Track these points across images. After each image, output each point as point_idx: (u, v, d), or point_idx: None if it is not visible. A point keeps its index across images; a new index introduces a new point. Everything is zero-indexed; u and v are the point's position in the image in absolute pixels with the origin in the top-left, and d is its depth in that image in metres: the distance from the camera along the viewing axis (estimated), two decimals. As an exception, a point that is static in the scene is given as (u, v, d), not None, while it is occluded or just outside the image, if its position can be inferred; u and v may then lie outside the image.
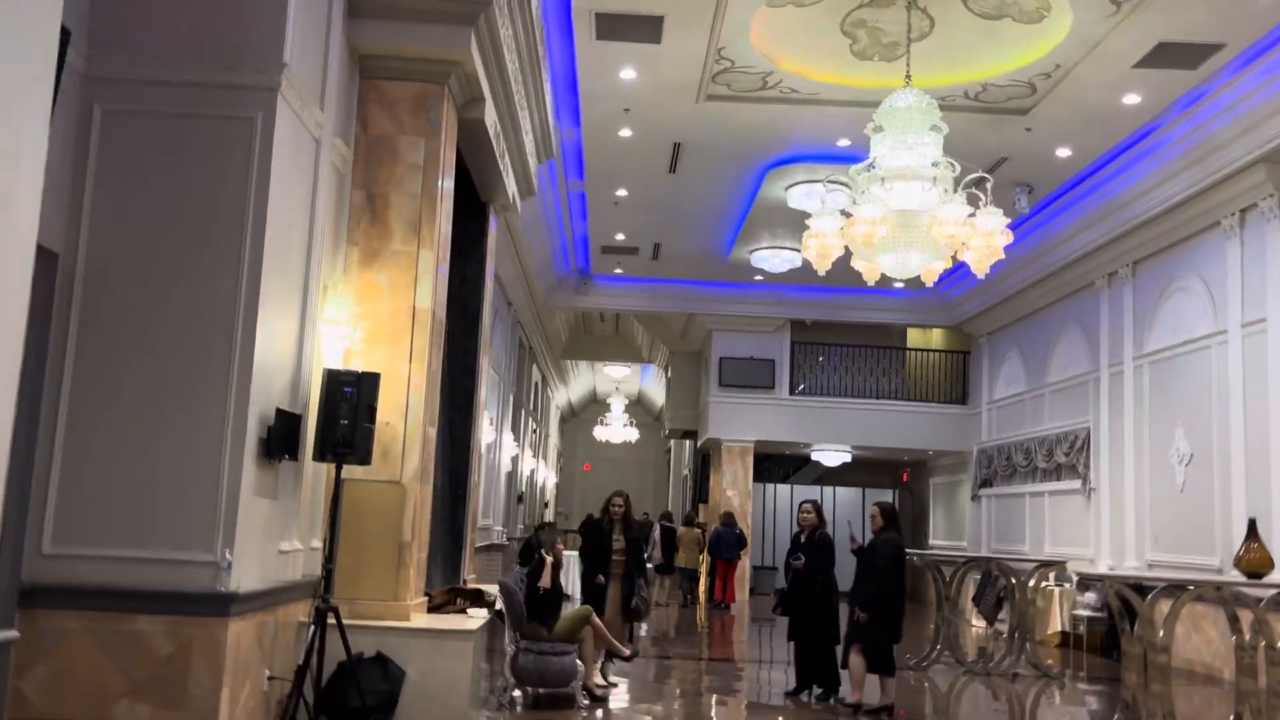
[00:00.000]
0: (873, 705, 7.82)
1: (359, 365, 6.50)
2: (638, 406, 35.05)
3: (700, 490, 23.17)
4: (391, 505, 6.69)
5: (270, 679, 5.79)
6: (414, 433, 6.79)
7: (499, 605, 7.55)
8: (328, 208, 6.53)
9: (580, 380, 31.72)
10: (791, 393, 19.29)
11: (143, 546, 5.15)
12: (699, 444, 21.68)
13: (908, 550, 12.84)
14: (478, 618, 7.08)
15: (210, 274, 5.38)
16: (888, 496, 22.33)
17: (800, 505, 8.86)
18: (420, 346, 6.87)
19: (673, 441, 29.10)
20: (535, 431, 25.05)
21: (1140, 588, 7.56)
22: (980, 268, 8.81)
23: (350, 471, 6.60)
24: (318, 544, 6.56)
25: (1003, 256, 8.81)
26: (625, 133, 11.42)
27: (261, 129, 5.49)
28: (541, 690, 7.56)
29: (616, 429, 32.16)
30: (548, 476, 30.37)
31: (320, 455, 6.06)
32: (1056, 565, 11.14)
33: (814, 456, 20.89)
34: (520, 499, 21.29)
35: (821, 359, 19.72)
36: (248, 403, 5.31)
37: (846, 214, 8.41)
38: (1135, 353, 13.01)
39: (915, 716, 8.22)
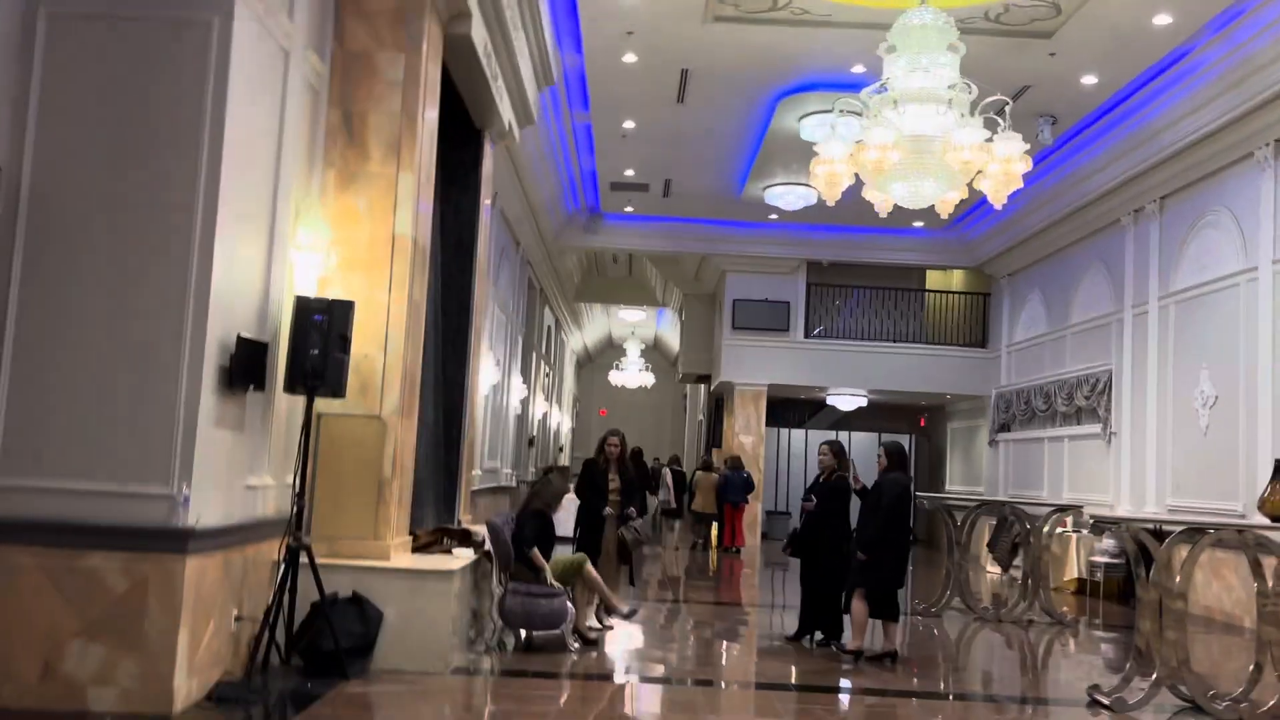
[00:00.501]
0: (875, 651, 7.53)
1: (338, 294, 6.19)
2: (654, 352, 34.70)
3: (714, 435, 22.89)
4: (371, 441, 6.40)
5: (238, 619, 5.55)
6: (394, 365, 6.48)
7: (488, 546, 7.28)
8: (299, 125, 6.17)
9: (595, 324, 31.36)
10: (807, 336, 18.87)
11: (95, 479, 4.88)
12: (712, 388, 21.35)
13: (920, 494, 12.63)
14: (462, 558, 6.81)
15: (165, 191, 5.05)
16: (902, 440, 22.01)
17: (819, 447, 8.49)
18: (400, 275, 6.53)
19: (688, 386, 28.80)
20: (549, 376, 24.80)
21: (1159, 533, 7.19)
22: (998, 197, 8.36)
23: (327, 406, 6.33)
24: (288, 479, 6.29)
25: (1021, 185, 8.35)
26: (630, 58, 10.94)
27: (219, 34, 5.12)
28: (533, 633, 7.30)
29: (632, 374, 31.88)
30: (562, 421, 30.17)
31: (290, 386, 5.77)
32: (1073, 510, 10.76)
33: (829, 401, 20.53)
34: (531, 442, 21.07)
35: (838, 301, 19.27)
36: (205, 328, 5.00)
37: (860, 143, 7.96)
38: (1160, 292, 12.52)
39: (924, 663, 7.94)
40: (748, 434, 18.76)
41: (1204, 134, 10.92)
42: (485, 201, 9.34)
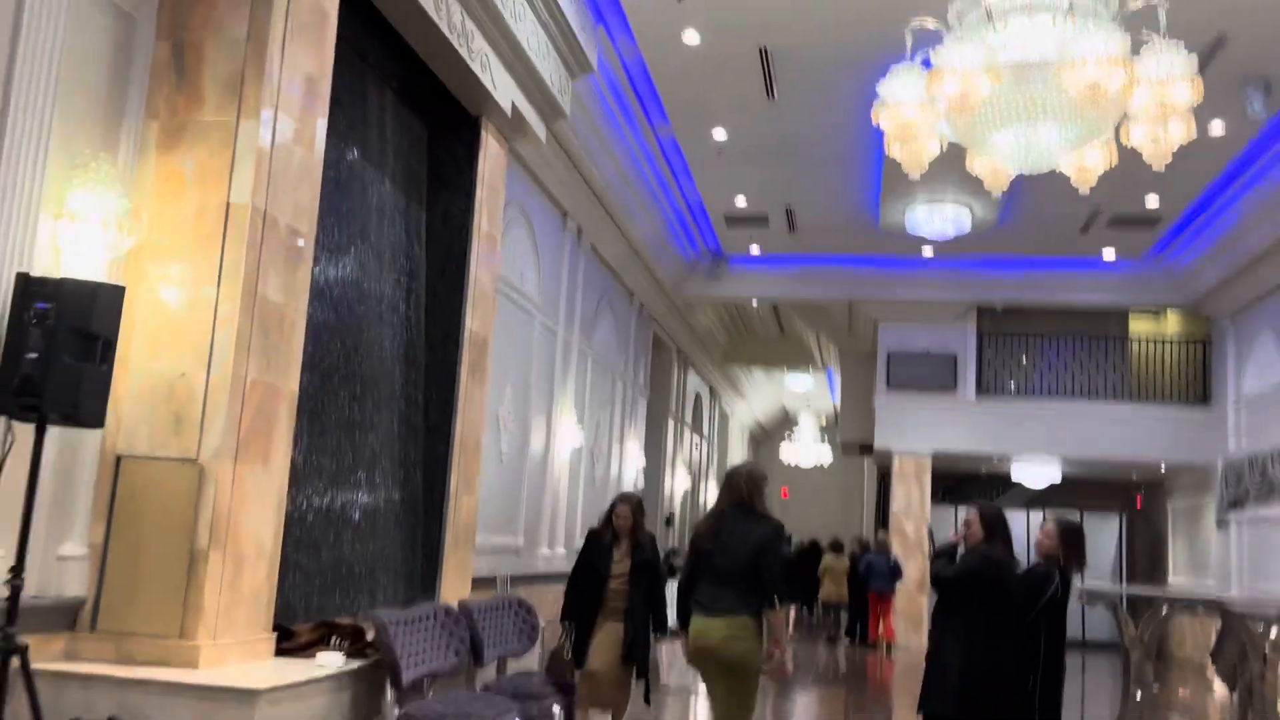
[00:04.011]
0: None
1: (154, 286, 4.39)
2: (836, 426, 31.83)
3: (883, 514, 19.94)
4: (181, 496, 4.47)
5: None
6: (221, 388, 4.55)
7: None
8: (91, 58, 4.46)
9: (761, 394, 28.94)
10: (979, 394, 15.89)
11: None
12: (875, 458, 18.53)
13: (1093, 587, 9.26)
14: (327, 665, 4.72)
15: None
16: (1112, 523, 18.36)
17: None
18: (235, 261, 4.64)
19: (865, 461, 25.82)
20: (699, 449, 22.58)
21: None
22: (1157, 154, 5.72)
23: (130, 444, 4.50)
24: (74, 548, 4.44)
25: (1192, 131, 5.67)
26: (691, 38, 8.89)
27: None
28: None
29: (806, 448, 29.17)
30: (727, 500, 27.69)
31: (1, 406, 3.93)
32: (1313, 612, 7.59)
33: (1014, 474, 17.30)
34: (669, 521, 18.86)
35: (1018, 353, 16.22)
36: None
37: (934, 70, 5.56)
38: None
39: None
40: (909, 512, 15.83)
41: None
42: (483, 206, 7.44)
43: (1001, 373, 16.08)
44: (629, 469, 15.14)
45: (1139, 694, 7.40)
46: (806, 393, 27.70)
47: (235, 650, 4.58)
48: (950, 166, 10.35)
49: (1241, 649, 8.36)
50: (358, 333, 6.23)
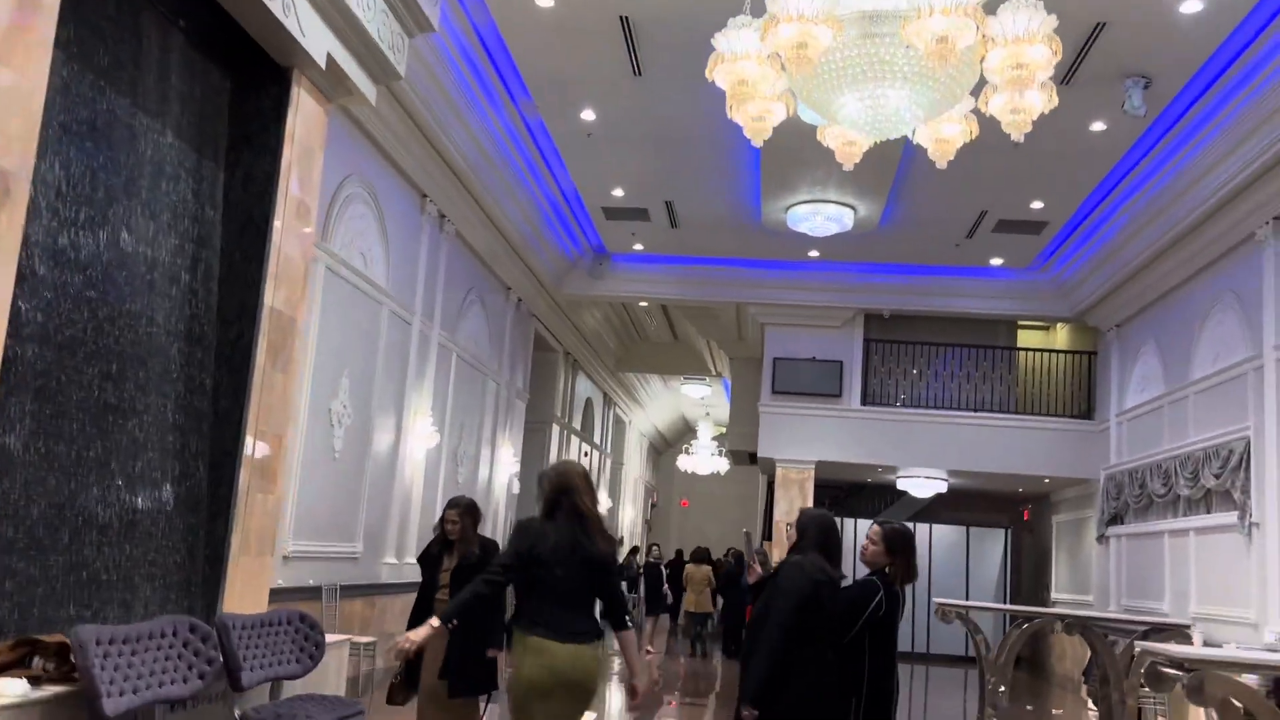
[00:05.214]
0: None
1: None
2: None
3: (768, 525, 19.45)
4: None
5: None
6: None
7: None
8: None
9: (660, 403, 28.37)
10: (864, 402, 15.48)
11: None
12: (760, 466, 18.04)
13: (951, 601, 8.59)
14: (5, 694, 3.88)
15: None
16: (997, 537, 18.15)
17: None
18: (-98, 195, 3.80)
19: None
20: (591, 456, 21.86)
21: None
22: (1016, 123, 5.20)
23: None
24: None
25: (1053, 99, 5.17)
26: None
27: None
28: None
29: (704, 459, 28.69)
30: (622, 510, 27.06)
31: None
32: (1175, 630, 7.17)
33: (900, 485, 16.95)
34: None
35: (906, 362, 15.86)
36: None
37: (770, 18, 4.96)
38: (1316, 322, 8.92)
39: None
40: (792, 522, 15.28)
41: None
42: (292, 170, 6.63)
43: (889, 381, 15.70)
44: (500, 474, 14.35)
45: (992, 715, 6.87)
46: (704, 401, 27.22)
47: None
48: (832, 164, 9.91)
49: (1103, 668, 7.96)
50: (115, 303, 5.37)
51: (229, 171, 6.52)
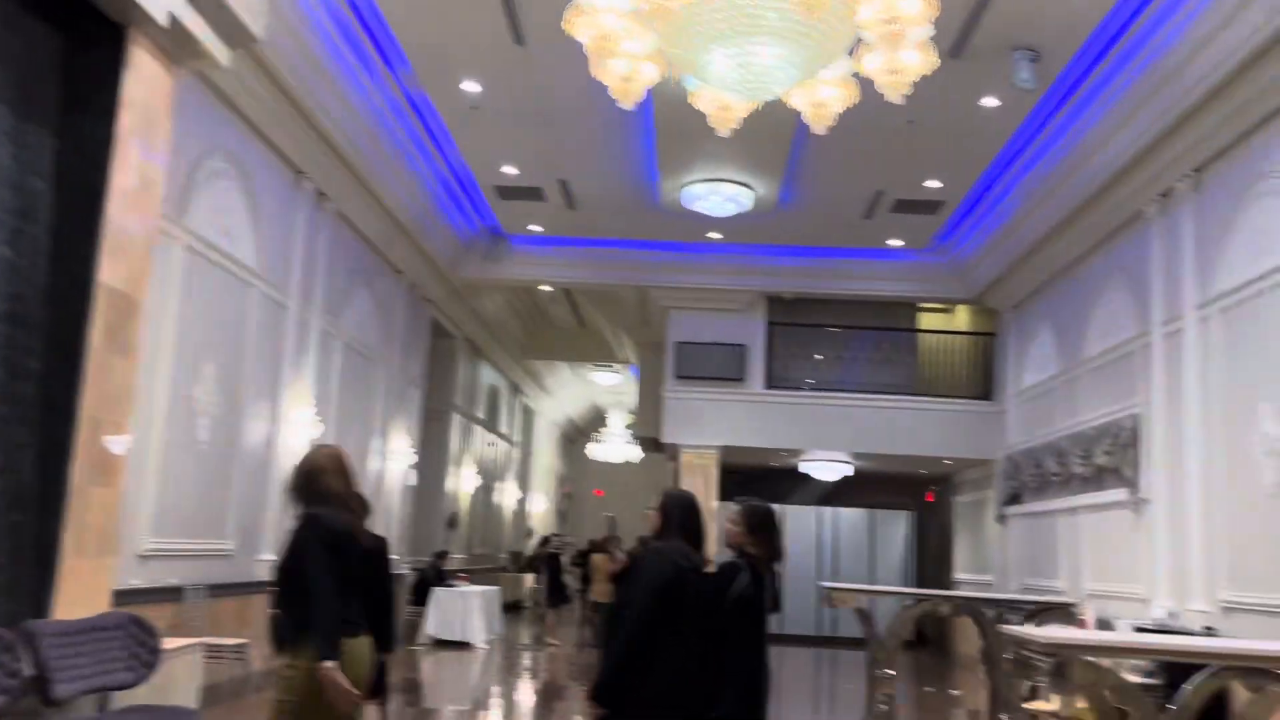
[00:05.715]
0: None
1: None
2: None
3: (677, 512, 19.23)
4: None
5: None
6: None
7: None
8: None
9: (570, 391, 28.00)
10: (768, 386, 15.33)
11: None
12: (666, 452, 17.81)
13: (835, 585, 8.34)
14: None
15: None
16: (901, 520, 18.19)
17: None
18: None
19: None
20: (496, 446, 21.42)
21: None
22: (893, 82, 4.97)
23: None
24: None
25: (934, 60, 4.95)
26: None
27: None
28: None
29: (615, 447, 28.46)
30: (531, 501, 26.67)
31: None
32: (1057, 608, 7.09)
33: (802, 468, 16.87)
34: (452, 523, 17.62)
35: (809, 345, 15.75)
36: None
37: None
38: (1199, 299, 8.93)
39: None
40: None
41: (1255, 51, 7.47)
42: (130, 134, 6.12)
43: (792, 365, 15.58)
44: (394, 465, 13.86)
45: (878, 695, 6.71)
46: (615, 388, 26.95)
47: None
48: (728, 144, 9.66)
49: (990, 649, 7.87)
50: (-87, 277, 4.84)
51: (60, 138, 5.98)
